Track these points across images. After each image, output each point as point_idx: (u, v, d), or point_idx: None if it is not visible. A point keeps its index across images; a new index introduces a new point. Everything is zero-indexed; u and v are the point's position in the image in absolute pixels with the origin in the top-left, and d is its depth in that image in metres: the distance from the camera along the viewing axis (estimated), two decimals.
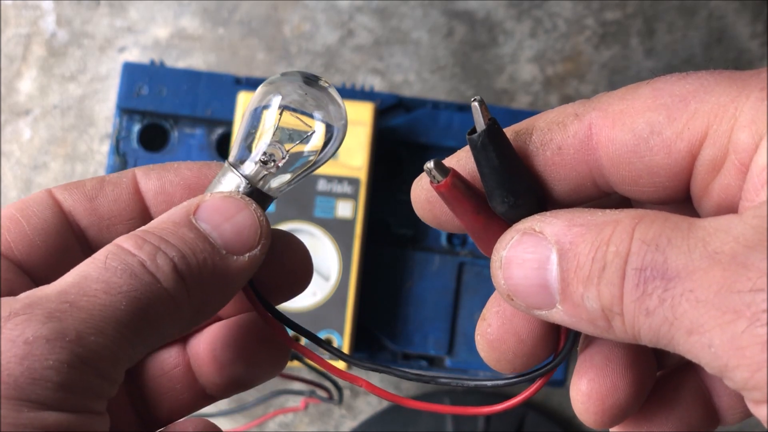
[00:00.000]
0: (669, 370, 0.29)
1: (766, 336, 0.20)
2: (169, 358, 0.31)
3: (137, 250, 0.25)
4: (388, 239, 0.63)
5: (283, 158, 0.29)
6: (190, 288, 0.25)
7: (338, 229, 0.59)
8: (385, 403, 0.69)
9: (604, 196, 0.27)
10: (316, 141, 0.29)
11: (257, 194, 0.28)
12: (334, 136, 0.29)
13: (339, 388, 0.59)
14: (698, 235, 0.22)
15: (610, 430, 0.30)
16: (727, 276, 0.21)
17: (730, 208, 0.24)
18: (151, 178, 0.30)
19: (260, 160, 0.29)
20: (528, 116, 0.29)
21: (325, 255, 0.59)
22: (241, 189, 0.28)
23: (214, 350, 0.30)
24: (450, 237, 0.63)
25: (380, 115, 0.63)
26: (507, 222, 0.26)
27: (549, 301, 0.24)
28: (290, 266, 0.30)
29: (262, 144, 0.29)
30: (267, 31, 0.73)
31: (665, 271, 0.22)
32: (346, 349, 0.59)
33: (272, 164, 0.29)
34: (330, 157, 0.30)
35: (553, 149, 0.26)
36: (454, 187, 0.25)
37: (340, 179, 0.59)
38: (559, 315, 0.24)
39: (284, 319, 0.29)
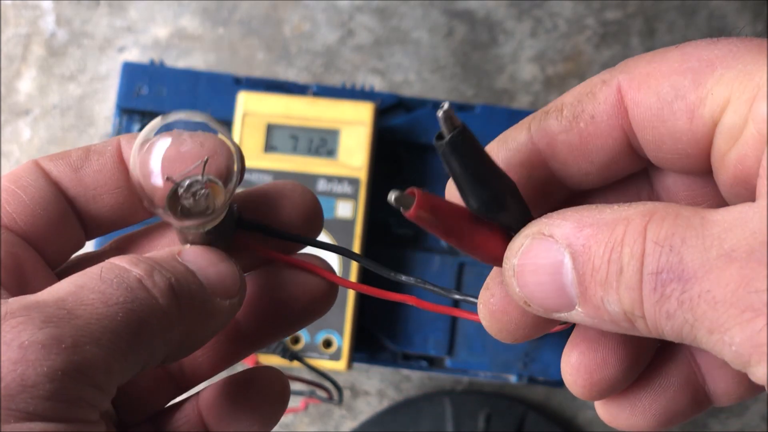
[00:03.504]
0: (662, 350, 0.29)
1: None
2: None
3: (133, 266, 0.25)
4: (388, 239, 0.62)
5: (201, 180, 0.27)
6: (183, 309, 0.25)
7: (338, 229, 0.59)
8: (385, 403, 0.69)
9: (641, 167, 0.27)
10: (218, 160, 0.27)
11: (215, 232, 0.28)
12: (228, 147, 0.27)
13: (339, 389, 0.59)
14: (713, 232, 0.21)
15: (595, 404, 0.29)
16: (744, 274, 0.20)
17: (746, 180, 0.24)
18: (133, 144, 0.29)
19: (189, 206, 0.27)
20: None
21: (325, 255, 0.59)
22: (201, 238, 0.28)
23: (257, 293, 0.30)
24: None
25: (380, 115, 0.62)
26: (488, 228, 0.26)
27: (567, 303, 0.24)
28: (299, 210, 0.30)
29: (181, 193, 0.27)
30: (267, 31, 0.73)
31: (681, 272, 0.21)
32: (345, 350, 0.59)
33: (199, 188, 0.27)
34: (241, 167, 0.28)
35: (586, 120, 0.26)
36: (418, 217, 0.25)
37: (340, 179, 0.59)
38: (579, 316, 0.24)
39: (316, 243, 0.30)
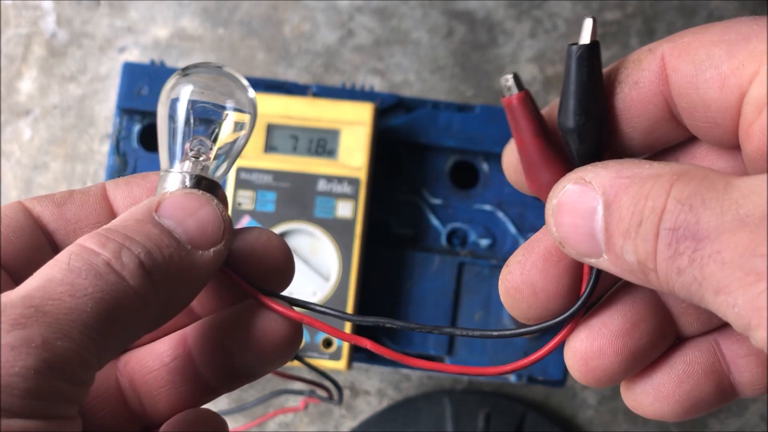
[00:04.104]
0: (686, 338, 0.30)
1: None
2: (167, 350, 0.30)
3: (101, 248, 0.25)
4: (388, 239, 0.63)
5: (210, 149, 0.29)
6: (157, 284, 0.25)
7: (338, 229, 0.59)
8: (385, 403, 0.69)
9: (682, 138, 0.28)
10: (231, 125, 0.29)
11: (206, 182, 0.28)
12: (247, 113, 0.30)
13: (339, 388, 0.59)
14: (732, 196, 0.22)
15: (621, 389, 0.30)
16: (752, 239, 0.21)
17: None
18: (119, 186, 0.30)
19: (190, 156, 0.29)
20: None
21: (325, 255, 0.59)
22: (187, 183, 0.28)
23: (216, 339, 0.30)
24: (450, 237, 0.63)
25: (380, 115, 0.63)
26: (552, 152, 0.27)
27: (596, 250, 0.25)
28: (270, 260, 0.30)
29: (185, 141, 0.29)
30: (267, 31, 0.73)
31: (696, 231, 0.22)
32: (345, 350, 0.59)
33: (203, 157, 0.29)
34: (250, 134, 0.30)
35: (630, 84, 0.27)
36: (523, 102, 0.27)
37: (340, 179, 0.59)
38: (605, 264, 0.25)
39: (273, 293, 0.29)
